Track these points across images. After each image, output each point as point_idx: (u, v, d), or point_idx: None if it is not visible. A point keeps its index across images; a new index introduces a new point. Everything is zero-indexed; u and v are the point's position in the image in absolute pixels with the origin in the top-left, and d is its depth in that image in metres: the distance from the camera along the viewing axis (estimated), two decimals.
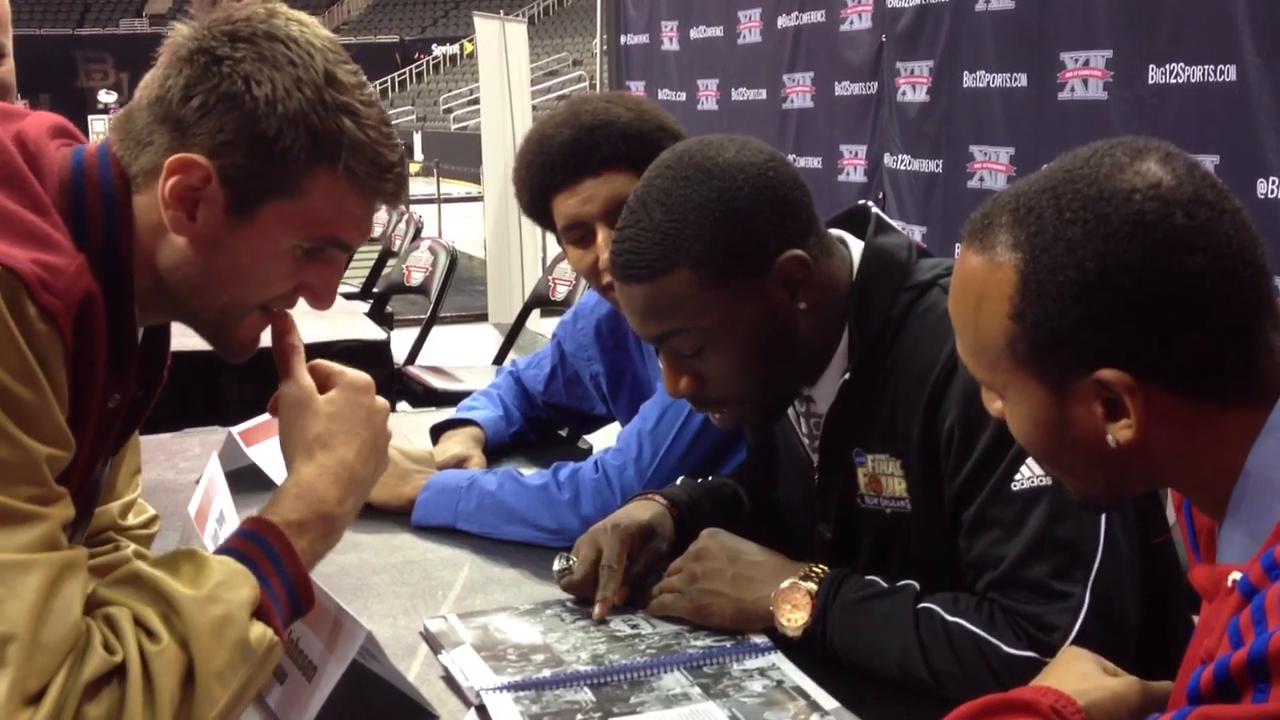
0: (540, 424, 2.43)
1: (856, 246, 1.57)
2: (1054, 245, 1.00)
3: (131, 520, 1.52)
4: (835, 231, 1.58)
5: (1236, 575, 0.96)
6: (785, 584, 1.49)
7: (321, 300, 1.28)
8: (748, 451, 1.85)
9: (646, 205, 1.47)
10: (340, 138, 1.18)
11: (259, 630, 1.14)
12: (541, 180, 1.97)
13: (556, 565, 1.67)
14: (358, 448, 1.28)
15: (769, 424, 1.66)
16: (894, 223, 1.62)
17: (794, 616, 1.48)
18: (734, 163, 1.47)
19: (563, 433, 2.48)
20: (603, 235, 1.93)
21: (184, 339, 3.35)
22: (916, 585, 1.46)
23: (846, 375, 1.52)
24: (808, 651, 1.47)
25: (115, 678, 1.06)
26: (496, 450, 2.30)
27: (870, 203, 1.63)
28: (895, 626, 1.42)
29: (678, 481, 1.83)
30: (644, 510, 1.70)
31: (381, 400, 1.33)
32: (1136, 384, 0.99)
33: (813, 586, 1.49)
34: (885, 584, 1.47)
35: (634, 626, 1.57)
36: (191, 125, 1.17)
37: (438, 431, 2.31)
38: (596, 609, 1.59)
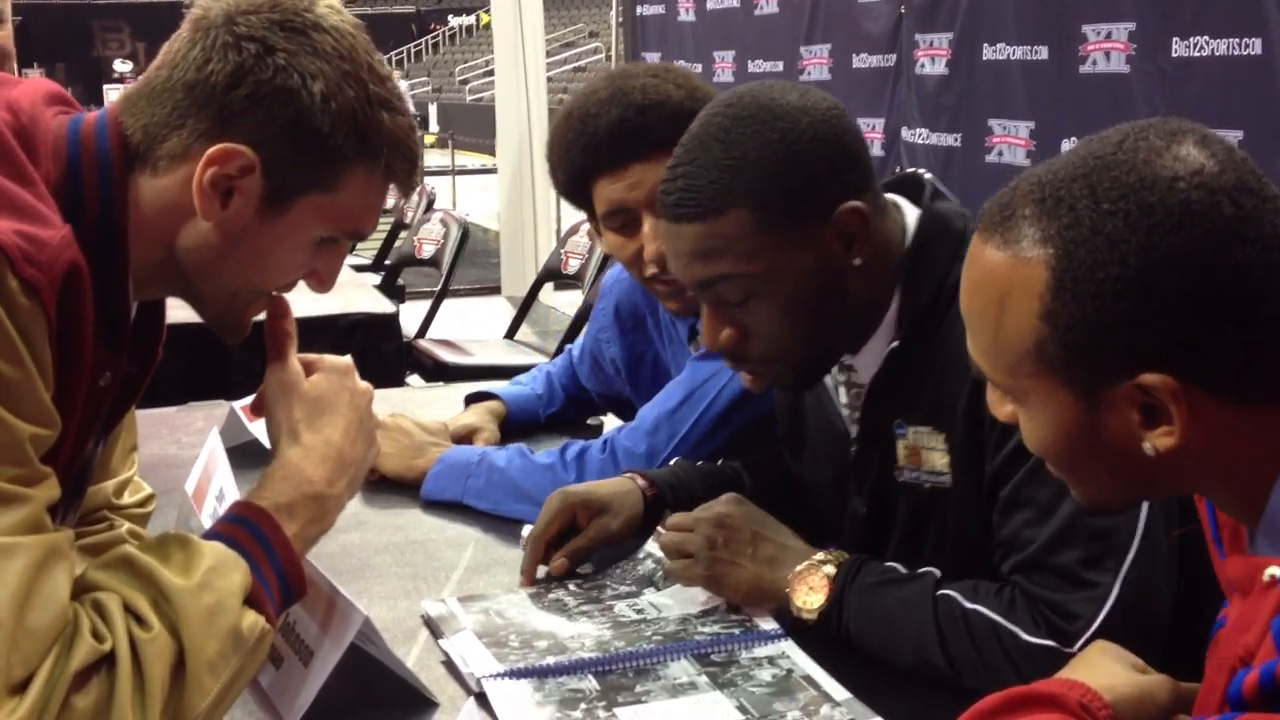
0: (587, 405, 2.36)
1: (910, 212, 1.50)
2: (1092, 239, 0.93)
3: (127, 499, 1.48)
4: (889, 196, 1.52)
5: (1275, 570, 0.91)
6: (802, 566, 1.45)
7: (325, 284, 1.27)
8: (780, 427, 1.78)
9: (704, 142, 1.41)
10: (381, 134, 1.18)
11: (251, 618, 1.11)
12: (584, 162, 1.86)
13: (524, 532, 1.68)
14: (344, 428, 1.25)
15: (804, 388, 1.58)
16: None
17: (810, 599, 1.43)
18: (798, 106, 1.41)
19: (591, 421, 2.42)
20: (649, 224, 1.84)
21: (190, 312, 3.33)
22: (937, 572, 1.41)
23: (895, 344, 1.46)
24: (821, 637, 1.43)
25: (104, 666, 1.02)
26: (523, 427, 2.25)
27: (924, 170, 1.57)
28: (912, 612, 1.38)
29: (671, 462, 1.79)
30: (607, 485, 1.69)
31: (364, 384, 1.30)
32: (1181, 388, 0.93)
33: (830, 570, 1.44)
34: (905, 570, 1.43)
35: (639, 611, 1.54)
36: (237, 114, 1.14)
37: (470, 403, 2.27)
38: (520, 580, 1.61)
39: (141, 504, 1.51)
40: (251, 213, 1.16)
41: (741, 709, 1.31)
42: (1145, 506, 1.32)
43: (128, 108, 1.17)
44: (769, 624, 1.47)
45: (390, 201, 6.43)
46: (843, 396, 1.57)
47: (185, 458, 2.00)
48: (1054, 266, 0.95)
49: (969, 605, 1.36)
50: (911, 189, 1.54)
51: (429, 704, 1.32)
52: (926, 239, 1.47)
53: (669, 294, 1.90)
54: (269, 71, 1.13)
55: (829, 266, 1.42)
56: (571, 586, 1.61)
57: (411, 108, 1.24)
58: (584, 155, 1.85)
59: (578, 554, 1.64)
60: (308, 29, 1.16)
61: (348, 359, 1.31)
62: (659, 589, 1.58)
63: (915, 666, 1.37)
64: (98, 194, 1.14)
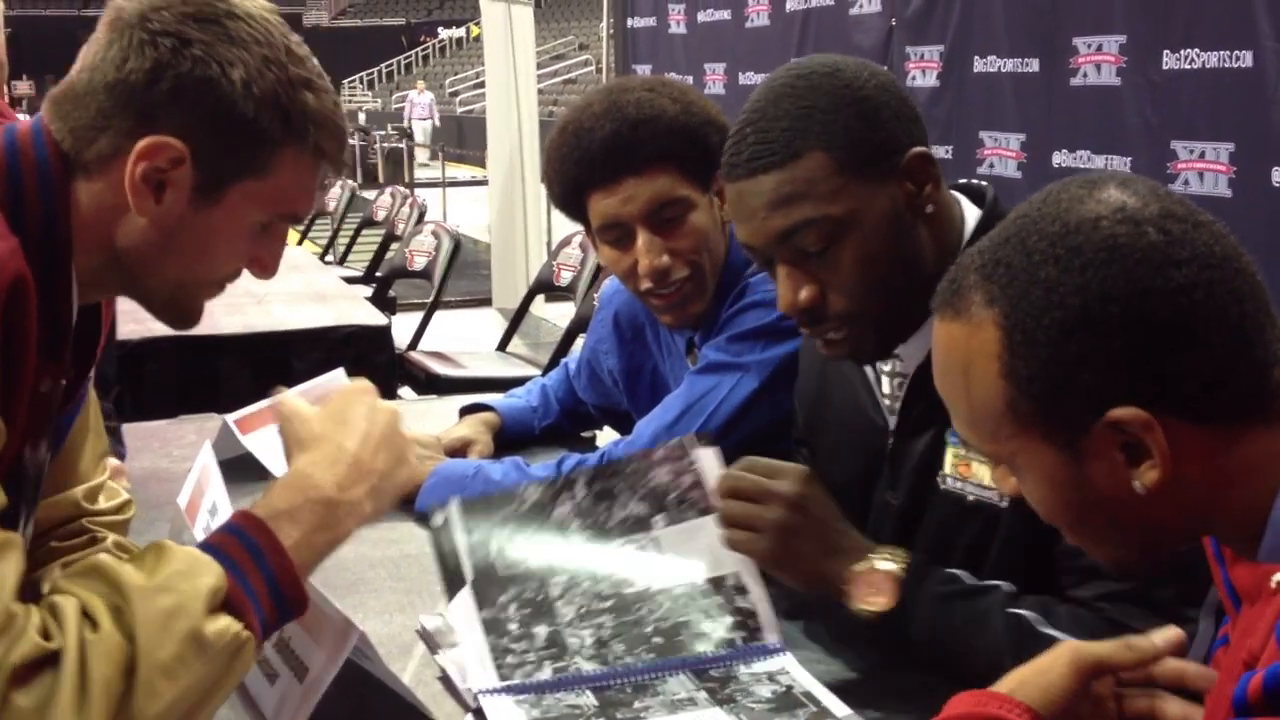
0: (582, 418, 2.35)
1: (970, 209, 1.52)
2: (1030, 290, 0.96)
3: (103, 504, 1.46)
4: (952, 192, 1.54)
5: None
6: (862, 565, 1.40)
7: (268, 270, 1.27)
8: (798, 424, 1.76)
9: (772, 99, 1.43)
10: (306, 114, 1.18)
11: (222, 624, 1.08)
12: (578, 176, 1.86)
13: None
14: (360, 436, 1.23)
15: (877, 353, 1.53)
16: None
17: (873, 600, 1.39)
18: (858, 64, 1.47)
19: (586, 434, 2.41)
20: (643, 239, 1.84)
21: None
22: (1006, 587, 1.38)
23: None
24: (872, 635, 1.39)
25: (50, 666, 1.00)
26: (518, 439, 2.24)
27: (984, 182, 1.58)
28: (985, 630, 1.34)
29: None
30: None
31: (387, 403, 1.29)
32: (1153, 418, 0.93)
33: (892, 569, 1.39)
34: (973, 580, 1.39)
35: (641, 549, 1.47)
36: (159, 108, 1.14)
37: (465, 414, 2.26)
38: None
39: (118, 510, 1.48)
40: (185, 204, 1.16)
41: None
42: None
43: (55, 113, 1.17)
44: (771, 637, 1.45)
45: (381, 214, 6.41)
46: (885, 386, 1.56)
47: (177, 471, 1.99)
48: (1003, 324, 0.97)
49: (1046, 632, 1.31)
50: (973, 194, 1.55)
51: None
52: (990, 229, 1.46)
53: (664, 307, 1.90)
54: (187, 64, 1.14)
55: (903, 212, 1.43)
56: (581, 492, 1.51)
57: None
58: (578, 169, 1.85)
59: None
60: (221, 18, 1.16)
61: (368, 382, 1.31)
62: (669, 520, 1.49)
63: (980, 680, 1.31)
64: (39, 202, 1.14)
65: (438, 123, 25.63)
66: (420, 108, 25.61)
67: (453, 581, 1.45)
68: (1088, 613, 1.34)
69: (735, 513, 1.44)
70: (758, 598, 1.46)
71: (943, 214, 1.47)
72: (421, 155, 19.95)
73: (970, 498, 1.45)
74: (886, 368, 1.55)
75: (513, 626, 1.41)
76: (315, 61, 1.22)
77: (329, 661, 1.24)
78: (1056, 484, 1.00)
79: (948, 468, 1.47)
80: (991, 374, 0.98)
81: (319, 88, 1.20)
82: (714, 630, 1.44)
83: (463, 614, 1.43)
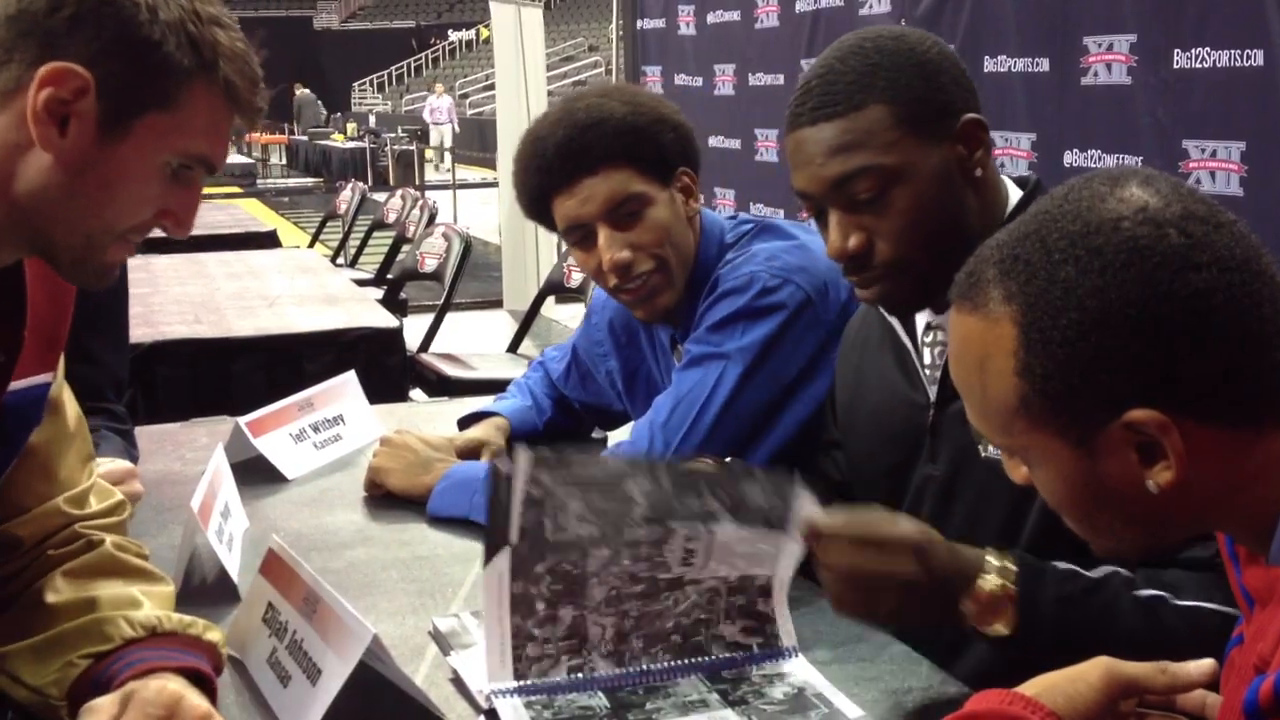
0: (571, 412, 2.37)
1: (1014, 190, 1.58)
2: (1049, 289, 0.96)
3: (94, 506, 1.42)
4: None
5: None
6: (974, 591, 1.32)
7: (182, 226, 1.23)
8: (837, 404, 1.76)
9: (839, 57, 1.51)
10: (216, 48, 1.16)
11: None
12: (540, 183, 1.93)
13: None
14: None
15: (916, 304, 1.57)
16: None
17: (996, 625, 1.32)
18: (921, 33, 1.56)
19: (596, 435, 2.42)
20: (604, 236, 1.89)
21: (195, 326, 3.32)
22: (1121, 573, 1.33)
23: None
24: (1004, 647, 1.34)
25: None
26: (526, 440, 2.24)
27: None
28: (1115, 622, 1.31)
29: None
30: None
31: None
32: (1170, 419, 0.93)
33: (999, 583, 1.31)
34: (1084, 573, 1.34)
35: (693, 537, 1.38)
36: (62, 35, 1.11)
37: (465, 424, 2.26)
38: None
39: (112, 511, 1.45)
40: (91, 139, 1.13)
41: None
42: None
43: None
44: (785, 638, 1.44)
45: (391, 216, 6.41)
46: (928, 357, 1.59)
47: (189, 474, 2.00)
48: (1020, 321, 0.97)
49: (1184, 603, 1.31)
50: (1018, 182, 1.60)
51: None
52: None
53: (634, 302, 1.96)
54: None
55: (956, 171, 1.50)
56: (664, 477, 1.38)
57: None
58: (538, 176, 1.93)
59: None
60: None
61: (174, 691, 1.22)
62: (736, 523, 1.38)
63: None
64: None
65: (457, 128, 24.57)
66: (440, 112, 24.52)
67: (495, 542, 1.34)
68: (1203, 574, 1.31)
69: (847, 567, 1.34)
70: (779, 602, 1.45)
71: (991, 183, 1.54)
72: (437, 159, 19.65)
73: None
74: (929, 339, 1.58)
75: (540, 605, 1.36)
76: (228, 10, 1.20)
77: (341, 664, 1.24)
78: (1068, 479, 1.00)
79: None
80: (1007, 370, 0.98)
81: (229, 25, 1.18)
82: (731, 633, 1.43)
83: (494, 584, 1.35)
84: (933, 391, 1.57)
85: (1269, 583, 0.96)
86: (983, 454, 1.49)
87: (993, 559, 1.33)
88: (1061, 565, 1.35)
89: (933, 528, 1.45)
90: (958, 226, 1.48)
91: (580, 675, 1.37)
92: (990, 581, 1.32)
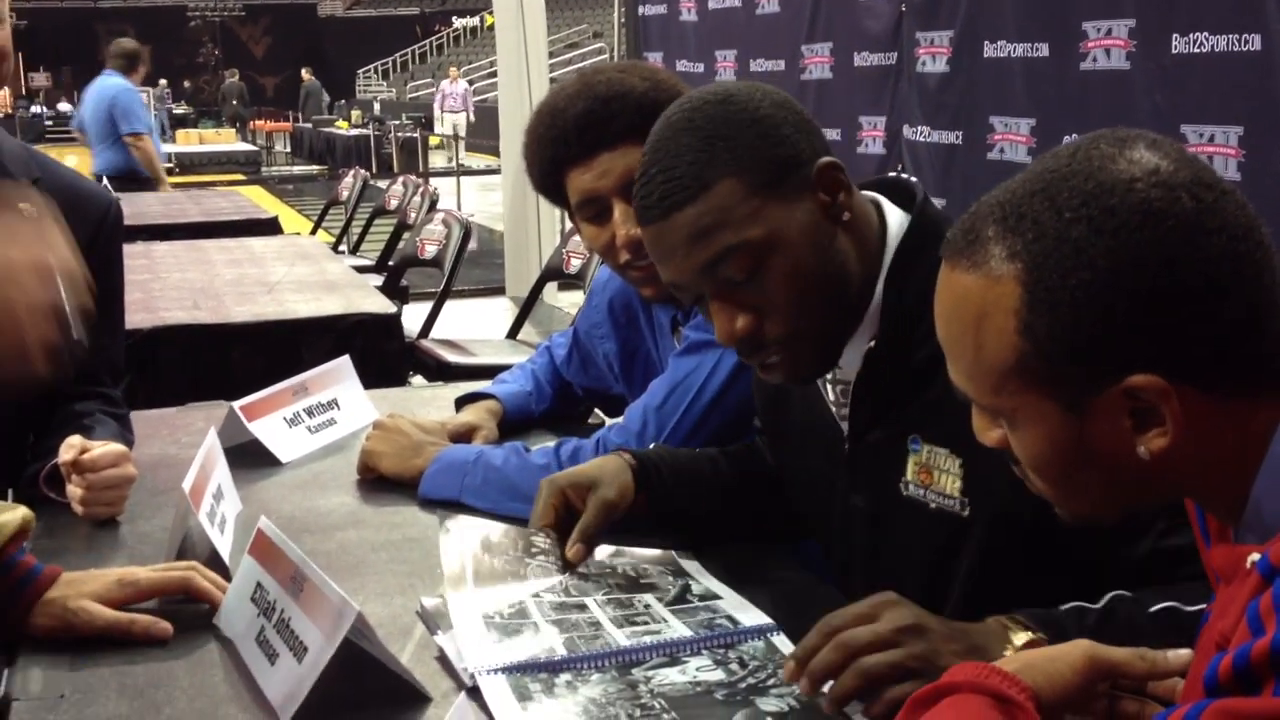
0: (572, 399, 2.39)
1: (893, 211, 1.50)
2: (1059, 248, 0.94)
3: None
4: (866, 193, 1.53)
5: (1256, 556, 0.91)
6: (1009, 659, 1.16)
7: None
8: (759, 418, 1.79)
9: (671, 136, 1.43)
10: None
11: None
12: (555, 154, 1.91)
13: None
14: None
15: (820, 370, 1.53)
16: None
17: None
18: (748, 87, 1.46)
19: (592, 420, 2.44)
20: (619, 210, 1.88)
21: (195, 312, 3.34)
22: (1126, 595, 1.28)
23: (872, 343, 1.46)
24: None
25: None
26: (520, 424, 2.26)
27: (912, 178, 1.57)
28: (1141, 641, 1.20)
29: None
30: (588, 464, 1.71)
31: None
32: (1169, 386, 0.93)
33: (1034, 637, 1.23)
34: (1093, 606, 1.27)
35: (646, 606, 1.53)
36: None
37: (461, 404, 2.28)
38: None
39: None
40: None
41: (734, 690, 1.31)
42: None
43: None
44: (761, 618, 1.48)
45: (393, 203, 6.41)
46: (830, 394, 1.57)
47: (184, 458, 2.01)
48: (1025, 280, 0.96)
49: (1194, 609, 1.21)
50: (898, 191, 1.54)
51: (422, 699, 1.33)
52: (921, 240, 1.46)
53: (643, 279, 1.94)
54: None
55: (822, 221, 1.42)
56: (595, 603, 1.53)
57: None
58: (554, 148, 1.90)
59: (588, 533, 1.62)
60: None
61: None
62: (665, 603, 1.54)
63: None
64: None
65: (473, 116, 22.96)
66: (453, 99, 23.17)
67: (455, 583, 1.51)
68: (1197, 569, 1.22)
69: (873, 667, 1.22)
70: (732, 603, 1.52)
71: (860, 220, 1.46)
72: (451, 148, 19.37)
73: (932, 505, 1.45)
74: (829, 376, 1.55)
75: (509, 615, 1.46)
76: None
77: (327, 642, 1.26)
78: (1054, 441, 1.00)
79: (909, 474, 1.47)
80: (1008, 330, 0.97)
81: None
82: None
83: (464, 604, 1.47)
84: (845, 426, 1.54)
85: (1233, 560, 0.97)
86: (904, 493, 1.47)
87: (1018, 620, 1.25)
88: (1065, 607, 1.28)
89: (865, 560, 1.45)
90: (842, 278, 1.44)
91: (565, 653, 1.39)
92: (1019, 632, 1.24)
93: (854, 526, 1.55)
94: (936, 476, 1.44)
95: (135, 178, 7.94)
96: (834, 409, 1.57)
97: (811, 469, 1.63)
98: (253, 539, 1.47)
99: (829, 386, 1.57)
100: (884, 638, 1.22)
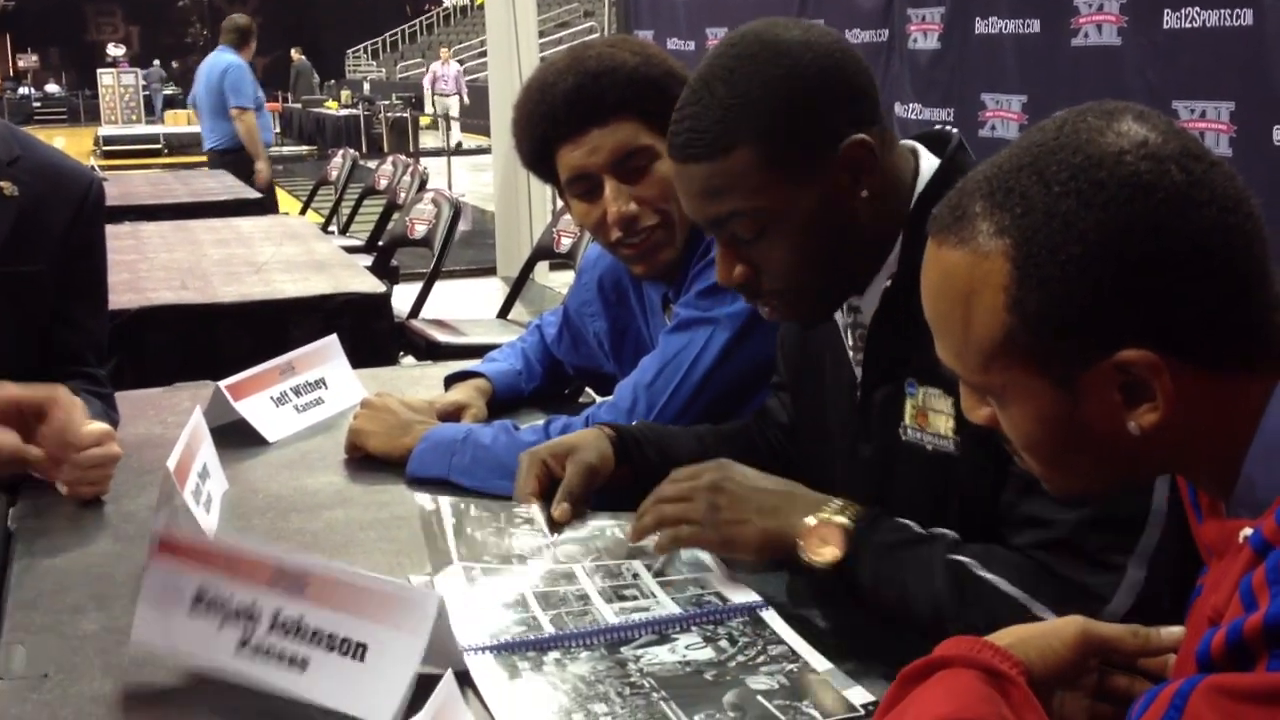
0: (562, 378, 2.38)
1: (928, 159, 1.51)
2: (1048, 223, 0.93)
3: None
4: (908, 143, 1.53)
5: (1248, 531, 0.90)
6: (814, 519, 1.42)
7: None
8: (781, 372, 1.78)
9: (709, 82, 1.42)
10: None
11: None
12: (545, 131, 1.89)
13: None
14: None
15: (819, 319, 1.56)
16: None
17: (824, 551, 1.40)
18: (801, 40, 1.42)
19: (583, 399, 2.43)
20: (610, 188, 1.86)
21: (182, 292, 3.32)
22: (952, 534, 1.39)
23: (888, 282, 1.46)
24: (832, 587, 1.41)
25: None
26: (509, 403, 2.25)
27: (954, 129, 1.56)
28: (927, 577, 1.35)
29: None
30: (569, 435, 1.75)
31: None
32: (1161, 360, 0.92)
33: (843, 521, 1.41)
34: (921, 529, 1.40)
35: (635, 575, 1.53)
36: None
37: (451, 383, 2.27)
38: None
39: None
40: None
41: (722, 667, 1.30)
42: (1163, 487, 1.27)
43: None
44: (750, 595, 1.47)
45: (383, 183, 6.39)
46: (849, 339, 1.56)
47: (170, 437, 1.99)
48: (1014, 256, 0.95)
49: (986, 575, 1.32)
50: (937, 143, 1.54)
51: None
52: (946, 182, 1.44)
53: (634, 256, 1.93)
54: None
55: (837, 200, 1.42)
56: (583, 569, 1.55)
57: None
58: (544, 124, 1.88)
59: (573, 494, 1.64)
60: None
61: None
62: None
63: (928, 630, 1.31)
64: None
65: (466, 99, 22.62)
66: (446, 80, 22.70)
67: (439, 564, 1.51)
68: (1024, 559, 1.33)
69: (671, 514, 1.51)
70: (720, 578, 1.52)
71: (889, 178, 1.46)
72: (443, 128, 19.24)
73: (929, 447, 1.45)
74: (849, 320, 1.55)
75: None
76: None
77: (411, 635, 1.22)
78: (1043, 418, 0.99)
79: (907, 419, 1.47)
80: (996, 306, 0.96)
81: None
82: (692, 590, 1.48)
83: (453, 583, 1.47)
84: (859, 373, 1.55)
85: (1225, 535, 0.96)
86: (903, 438, 1.48)
87: (844, 501, 1.43)
88: (903, 520, 1.41)
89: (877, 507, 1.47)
90: (848, 242, 1.45)
91: (553, 631, 1.38)
92: (835, 511, 1.41)
93: (859, 478, 1.55)
94: (932, 419, 1.45)
95: (245, 152, 8.09)
96: (851, 354, 1.57)
97: (832, 417, 1.62)
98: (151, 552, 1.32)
99: (848, 332, 1.56)
100: (683, 492, 1.51)
